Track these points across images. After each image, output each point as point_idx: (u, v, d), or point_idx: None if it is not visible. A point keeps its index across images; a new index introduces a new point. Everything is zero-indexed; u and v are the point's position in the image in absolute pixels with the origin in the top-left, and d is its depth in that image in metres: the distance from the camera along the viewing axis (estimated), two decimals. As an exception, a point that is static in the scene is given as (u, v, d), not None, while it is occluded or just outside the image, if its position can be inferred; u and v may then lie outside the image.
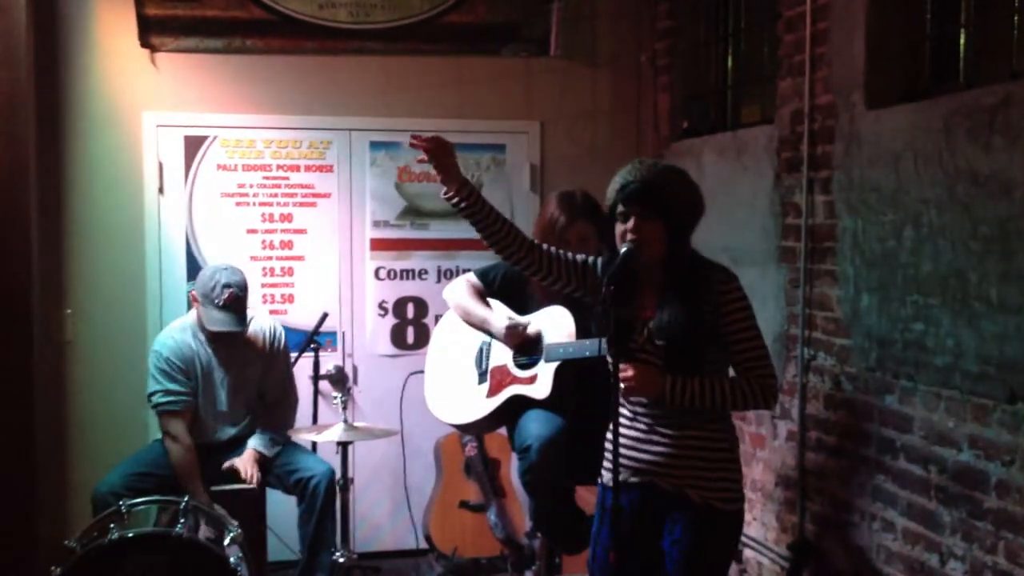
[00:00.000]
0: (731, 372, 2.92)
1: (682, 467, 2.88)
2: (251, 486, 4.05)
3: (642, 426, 2.91)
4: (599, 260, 3.05)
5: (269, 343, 4.34)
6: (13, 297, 4.41)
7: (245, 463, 4.14)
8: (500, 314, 3.77)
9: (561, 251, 3.07)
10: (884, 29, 3.49)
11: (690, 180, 2.94)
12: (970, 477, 3.01)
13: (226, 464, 4.15)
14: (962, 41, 3.35)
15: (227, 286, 4.13)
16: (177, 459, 4.11)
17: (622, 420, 2.88)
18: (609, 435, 2.98)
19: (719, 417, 2.94)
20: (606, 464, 3.03)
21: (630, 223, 2.84)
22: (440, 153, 3.02)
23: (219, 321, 4.12)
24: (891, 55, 3.50)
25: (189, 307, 4.36)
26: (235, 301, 4.14)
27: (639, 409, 2.92)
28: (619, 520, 2.78)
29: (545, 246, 3.07)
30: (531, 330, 3.71)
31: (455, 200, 3.02)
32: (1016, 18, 3.17)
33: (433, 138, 3.01)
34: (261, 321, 4.38)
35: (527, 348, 3.72)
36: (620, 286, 2.74)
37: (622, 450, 2.82)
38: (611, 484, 2.96)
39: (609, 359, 2.86)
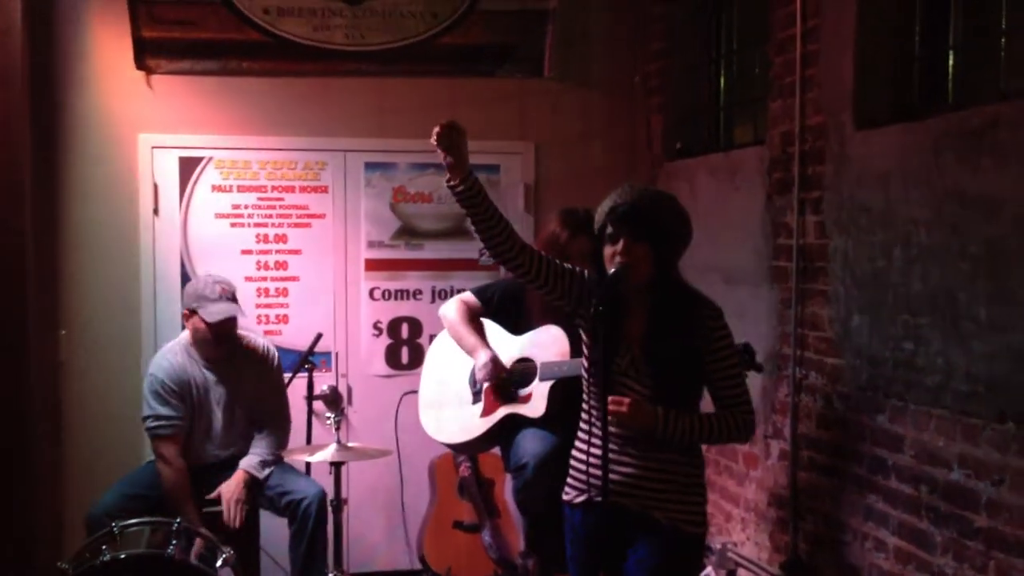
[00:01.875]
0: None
1: (649, 488, 2.89)
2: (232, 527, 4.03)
3: (612, 446, 2.91)
4: (589, 276, 3.05)
5: (262, 359, 4.34)
6: (8, 318, 4.41)
7: (231, 495, 4.10)
8: (486, 349, 3.77)
9: (554, 259, 3.07)
10: (873, 50, 3.52)
11: (680, 206, 2.97)
12: (961, 496, 3.01)
13: (214, 493, 4.14)
14: (951, 62, 3.38)
15: (217, 282, 4.20)
16: (168, 482, 4.11)
17: (594, 440, 2.91)
18: (577, 454, 3.00)
19: (690, 445, 2.96)
20: (570, 482, 3.04)
21: (619, 245, 2.85)
22: (452, 134, 2.90)
23: (218, 312, 4.13)
24: (880, 76, 3.53)
25: (183, 327, 4.36)
26: (230, 291, 4.19)
27: (610, 429, 2.93)
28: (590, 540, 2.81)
29: (537, 251, 3.04)
30: (511, 364, 3.74)
31: (459, 188, 2.91)
32: (1004, 39, 3.20)
33: (447, 120, 2.92)
34: (254, 340, 4.39)
35: (508, 383, 3.75)
36: (608, 308, 2.75)
37: (590, 469, 2.87)
38: (575, 503, 2.98)
39: (585, 379, 2.88)
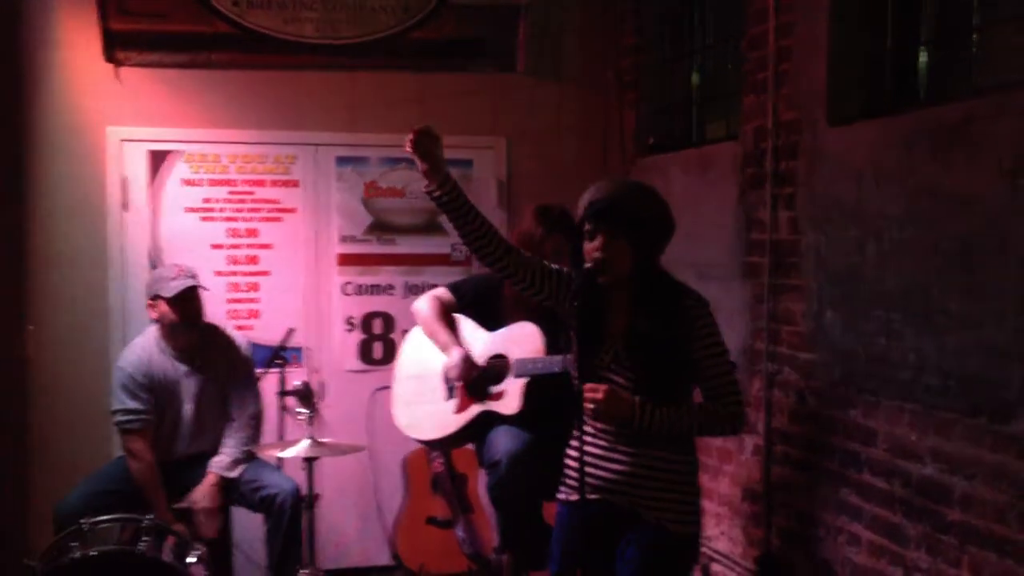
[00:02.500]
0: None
1: (638, 486, 2.89)
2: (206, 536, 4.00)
3: (603, 443, 2.91)
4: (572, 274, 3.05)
5: (231, 348, 4.30)
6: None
7: (203, 504, 4.07)
8: (458, 348, 3.76)
9: (538, 258, 3.06)
10: (846, 47, 3.53)
11: (660, 198, 2.96)
12: (934, 490, 3.03)
13: (184, 501, 4.08)
14: (923, 59, 3.40)
15: (174, 265, 4.27)
16: (139, 477, 4.07)
17: (586, 438, 2.89)
18: (570, 451, 3.00)
19: (681, 439, 2.95)
20: (567, 481, 3.04)
21: (596, 241, 2.85)
22: (425, 140, 2.89)
23: (176, 285, 4.10)
24: (853, 72, 3.54)
25: (152, 320, 4.31)
26: (187, 269, 4.19)
27: (600, 427, 2.92)
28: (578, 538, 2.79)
29: (521, 252, 3.03)
30: (486, 361, 3.72)
31: (437, 194, 2.91)
32: (976, 36, 3.22)
33: (420, 126, 2.91)
34: (225, 333, 4.34)
35: (480, 381, 3.73)
36: (585, 304, 2.75)
37: (577, 466, 2.84)
38: (568, 501, 2.97)
39: (574, 376, 2.87)
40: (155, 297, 4.15)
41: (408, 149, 2.89)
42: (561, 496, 3.06)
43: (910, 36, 3.45)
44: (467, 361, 3.73)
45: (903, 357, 3.16)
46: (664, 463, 2.90)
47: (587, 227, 2.88)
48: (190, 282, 4.13)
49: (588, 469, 2.86)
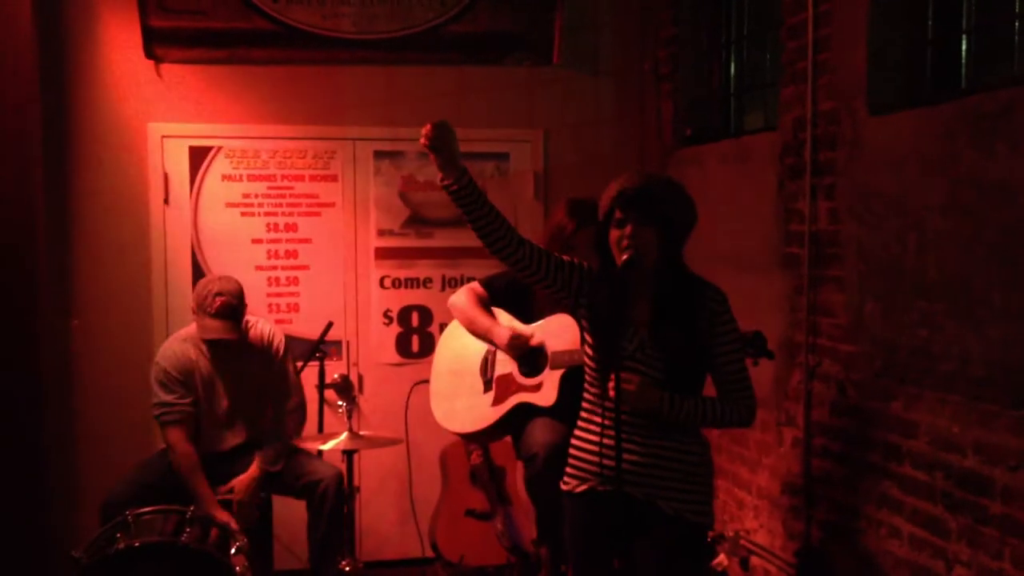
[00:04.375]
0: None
1: (655, 476, 2.89)
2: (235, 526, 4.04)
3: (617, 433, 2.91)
4: (588, 267, 3.04)
5: (266, 346, 4.33)
6: (19, 307, 4.42)
7: (243, 496, 4.14)
8: (503, 325, 3.77)
9: (552, 252, 3.07)
10: (886, 35, 3.50)
11: (684, 191, 2.97)
12: (976, 483, 3.00)
13: (227, 486, 4.17)
14: (964, 47, 3.36)
15: (219, 294, 4.13)
16: (178, 467, 4.14)
17: (593, 427, 2.92)
18: (579, 443, 3.01)
19: (694, 431, 2.97)
20: (569, 471, 3.04)
21: (627, 229, 2.85)
22: (440, 133, 2.87)
23: (211, 329, 4.13)
24: (893, 61, 3.50)
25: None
26: (227, 308, 4.12)
27: (613, 415, 2.92)
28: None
29: (535, 245, 3.03)
30: (534, 341, 3.71)
31: (452, 187, 2.91)
32: (1018, 23, 3.17)
33: (436, 121, 2.89)
34: (259, 327, 4.38)
35: (530, 359, 3.72)
36: (609, 293, 2.76)
37: (593, 457, 2.87)
38: (576, 492, 2.98)
39: (588, 367, 2.88)
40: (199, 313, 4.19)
41: (423, 143, 2.89)
42: (566, 488, 3.06)
43: (951, 23, 3.41)
44: (518, 336, 3.71)
45: (945, 349, 3.12)
46: (681, 454, 2.92)
47: (617, 215, 2.88)
48: (223, 333, 4.12)
49: (603, 460, 2.86)
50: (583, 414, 3.04)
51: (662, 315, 2.90)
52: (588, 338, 3.01)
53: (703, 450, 3.01)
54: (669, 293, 2.91)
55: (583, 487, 2.99)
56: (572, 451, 3.06)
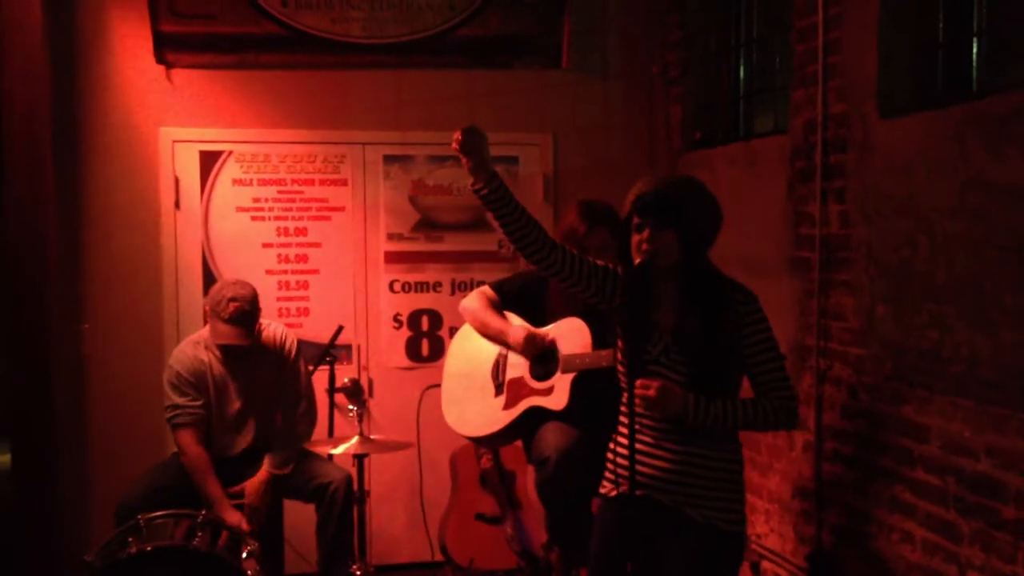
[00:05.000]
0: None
1: (684, 484, 2.88)
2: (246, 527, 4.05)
3: (648, 439, 2.90)
4: (617, 271, 3.04)
5: (278, 349, 4.34)
6: (31, 311, 4.44)
7: (252, 499, 4.15)
8: (517, 325, 3.77)
9: (582, 255, 3.07)
10: (897, 38, 3.49)
11: (708, 192, 2.95)
12: (988, 487, 2.99)
13: (238, 487, 4.18)
14: (975, 49, 3.35)
15: (233, 300, 4.13)
16: (189, 467, 4.15)
17: (625, 431, 2.89)
18: (612, 445, 3.00)
19: (728, 436, 2.94)
20: (608, 476, 3.03)
21: (644, 233, 2.84)
22: (472, 138, 2.89)
23: (224, 334, 4.14)
24: (904, 64, 3.50)
25: (205, 322, 4.37)
26: (240, 314, 4.13)
27: (646, 422, 2.92)
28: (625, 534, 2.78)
29: (567, 249, 3.03)
30: (548, 339, 3.71)
31: (483, 192, 2.91)
32: (1029, 26, 3.17)
33: (467, 125, 2.91)
34: (272, 329, 4.39)
35: (544, 359, 3.72)
36: (634, 297, 2.74)
37: (624, 461, 2.83)
38: (609, 496, 2.97)
39: (620, 370, 2.86)
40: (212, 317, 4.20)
41: (455, 147, 2.90)
42: (602, 491, 3.06)
43: (962, 26, 3.40)
44: (533, 335, 3.71)
45: (956, 352, 3.11)
46: (711, 460, 2.89)
47: (635, 220, 2.87)
48: (236, 339, 4.12)
49: (635, 466, 2.85)
50: (621, 418, 3.03)
51: (686, 318, 2.88)
52: (619, 342, 3.00)
53: (736, 457, 2.98)
54: (695, 296, 2.89)
55: (616, 491, 2.98)
56: (608, 455, 3.05)
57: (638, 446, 2.87)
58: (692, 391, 2.83)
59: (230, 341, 4.14)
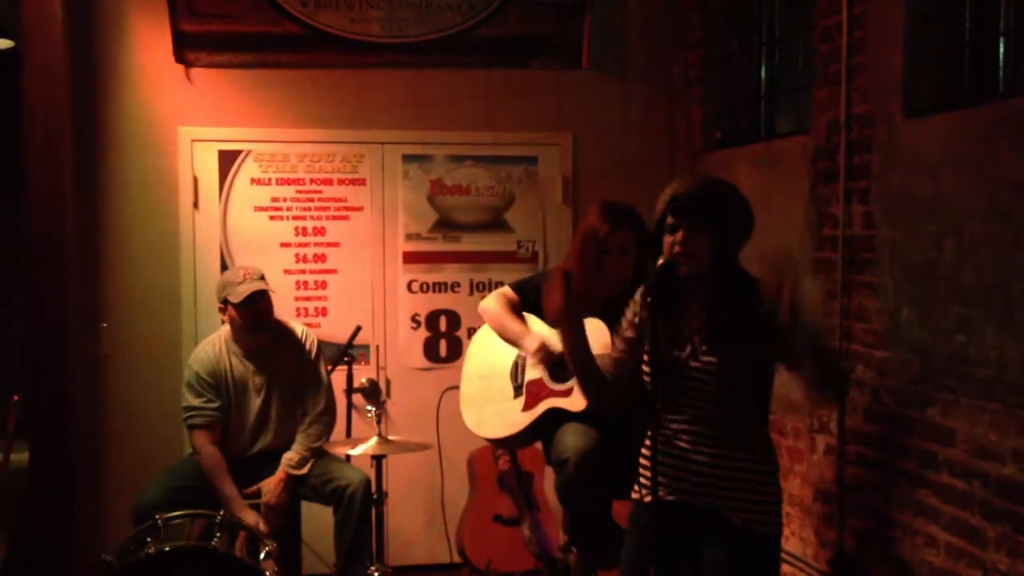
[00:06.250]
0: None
1: (722, 487, 2.84)
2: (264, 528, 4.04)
3: (684, 444, 2.87)
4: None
5: (300, 344, 4.33)
6: (49, 310, 4.45)
7: (269, 499, 4.14)
8: (534, 333, 3.74)
9: (626, 343, 3.02)
10: (922, 37, 3.46)
11: (741, 195, 2.92)
12: (1014, 491, 2.95)
13: (254, 488, 4.18)
14: (1002, 49, 3.31)
15: (242, 268, 4.27)
16: (205, 468, 4.15)
17: (661, 436, 2.86)
18: (645, 451, 2.97)
19: (763, 440, 2.91)
20: (641, 479, 3.00)
21: (679, 235, 2.81)
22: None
23: (244, 290, 4.14)
24: (929, 64, 3.46)
25: (223, 321, 4.36)
26: (253, 271, 4.20)
27: (682, 426, 2.89)
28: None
29: (622, 359, 3.03)
30: (559, 352, 3.69)
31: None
32: (1057, 25, 3.13)
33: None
34: (291, 326, 4.38)
35: (562, 364, 3.70)
36: (662, 298, 2.72)
37: (660, 468, 2.80)
38: (645, 500, 2.94)
39: (645, 371, 2.84)
40: (224, 302, 4.20)
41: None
42: (635, 496, 3.03)
43: (988, 25, 3.36)
44: (545, 346, 3.69)
45: (983, 355, 3.08)
46: (749, 463, 2.86)
47: (669, 221, 2.84)
48: (256, 286, 4.16)
49: (667, 470, 2.83)
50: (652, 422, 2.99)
51: (715, 320, 2.85)
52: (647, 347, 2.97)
53: (773, 461, 2.95)
54: (725, 297, 2.86)
55: (649, 496, 2.95)
56: (641, 460, 3.03)
57: (673, 451, 2.84)
58: (723, 391, 2.80)
59: (252, 290, 4.13)
